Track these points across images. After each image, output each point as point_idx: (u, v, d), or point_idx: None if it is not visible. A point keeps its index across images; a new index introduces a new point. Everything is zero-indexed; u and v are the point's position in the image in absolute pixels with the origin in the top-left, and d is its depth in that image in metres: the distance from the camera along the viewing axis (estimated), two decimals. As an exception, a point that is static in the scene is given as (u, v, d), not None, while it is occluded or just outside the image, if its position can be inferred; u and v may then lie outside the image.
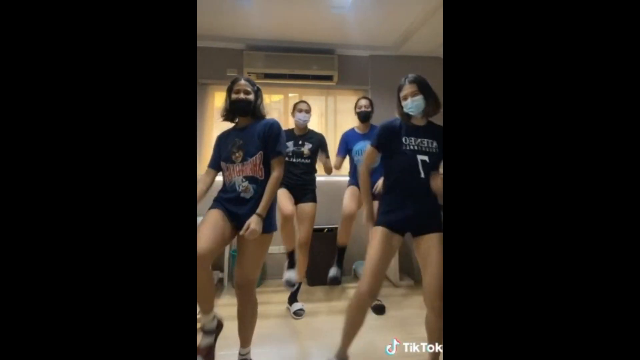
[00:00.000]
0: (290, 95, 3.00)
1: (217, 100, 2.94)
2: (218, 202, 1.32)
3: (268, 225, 1.29)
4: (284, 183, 2.06)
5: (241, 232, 1.22)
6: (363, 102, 2.20)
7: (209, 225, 1.22)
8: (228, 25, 2.58)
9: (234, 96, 1.35)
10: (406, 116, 1.32)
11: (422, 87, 1.30)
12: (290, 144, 2.08)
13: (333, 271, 2.07)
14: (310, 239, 2.10)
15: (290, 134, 2.12)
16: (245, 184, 1.28)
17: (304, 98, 2.90)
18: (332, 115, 3.01)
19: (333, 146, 2.79)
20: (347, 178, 2.29)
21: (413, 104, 1.28)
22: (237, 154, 1.31)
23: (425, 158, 1.26)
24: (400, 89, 1.33)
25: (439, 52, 2.91)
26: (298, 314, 2.05)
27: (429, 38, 2.65)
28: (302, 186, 2.10)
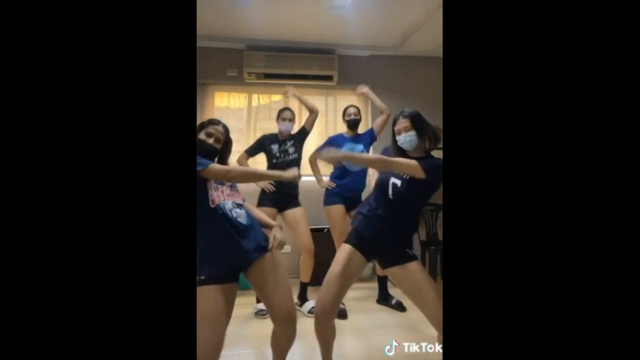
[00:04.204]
0: (290, 95, 3.00)
1: (217, 100, 2.94)
2: (204, 262, 1.11)
3: (265, 242, 1.23)
4: (272, 192, 2.10)
5: (270, 247, 1.19)
6: (352, 110, 2.23)
7: (208, 320, 1.04)
8: (228, 25, 2.57)
9: (202, 136, 1.23)
10: (400, 150, 1.31)
11: (416, 122, 1.26)
12: (275, 147, 2.15)
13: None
14: (312, 242, 2.12)
15: (275, 137, 2.19)
16: (239, 210, 1.20)
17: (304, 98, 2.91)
18: (332, 115, 3.02)
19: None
20: None
21: (405, 140, 1.26)
22: None
23: (397, 182, 1.25)
24: (394, 122, 1.31)
25: (439, 52, 2.91)
26: (312, 312, 2.06)
27: (429, 38, 2.65)
28: (288, 194, 2.12)
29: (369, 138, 2.23)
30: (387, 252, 1.26)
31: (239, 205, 1.21)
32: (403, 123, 1.27)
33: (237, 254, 1.15)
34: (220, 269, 1.12)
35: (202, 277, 1.10)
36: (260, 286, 1.20)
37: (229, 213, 1.15)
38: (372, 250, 1.29)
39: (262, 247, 1.21)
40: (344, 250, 1.28)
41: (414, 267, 1.22)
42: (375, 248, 1.28)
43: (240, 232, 1.15)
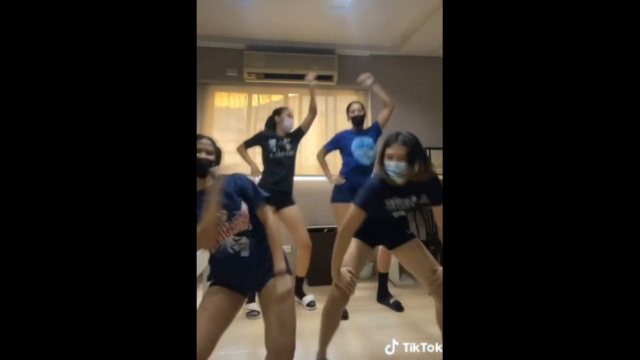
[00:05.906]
0: (290, 95, 3.00)
1: (217, 100, 2.94)
2: (215, 276, 1.19)
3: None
4: (268, 189, 2.08)
5: (277, 301, 1.10)
6: (355, 106, 2.24)
7: (209, 314, 1.08)
8: (228, 25, 2.58)
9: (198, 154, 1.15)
10: (385, 174, 1.22)
11: (412, 150, 1.17)
12: (272, 141, 2.17)
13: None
14: (309, 239, 2.15)
15: (272, 134, 2.21)
16: (243, 240, 1.13)
17: (304, 98, 2.92)
18: (332, 115, 3.02)
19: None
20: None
21: (397, 169, 1.17)
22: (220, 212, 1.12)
23: (402, 213, 1.37)
24: (387, 143, 1.20)
25: (439, 52, 2.91)
26: (311, 305, 2.12)
27: (429, 38, 2.65)
28: (282, 192, 2.13)
29: (375, 132, 2.23)
30: (392, 239, 1.45)
31: (244, 234, 1.14)
32: (398, 150, 1.17)
33: (245, 281, 1.18)
34: (231, 285, 1.17)
35: (212, 281, 1.18)
36: (264, 311, 1.16)
37: (230, 250, 1.13)
38: (379, 242, 1.49)
39: (269, 273, 1.15)
40: (355, 243, 1.39)
41: (414, 243, 1.42)
42: (382, 240, 1.48)
43: (244, 265, 1.14)
